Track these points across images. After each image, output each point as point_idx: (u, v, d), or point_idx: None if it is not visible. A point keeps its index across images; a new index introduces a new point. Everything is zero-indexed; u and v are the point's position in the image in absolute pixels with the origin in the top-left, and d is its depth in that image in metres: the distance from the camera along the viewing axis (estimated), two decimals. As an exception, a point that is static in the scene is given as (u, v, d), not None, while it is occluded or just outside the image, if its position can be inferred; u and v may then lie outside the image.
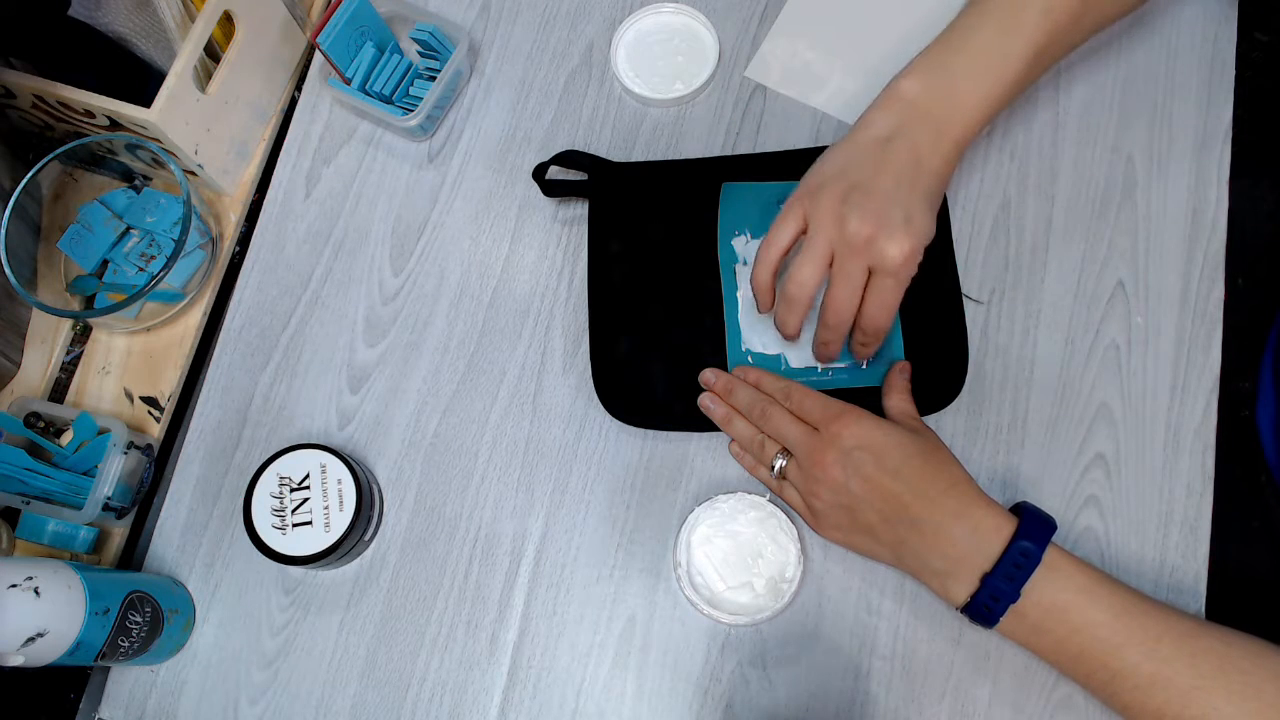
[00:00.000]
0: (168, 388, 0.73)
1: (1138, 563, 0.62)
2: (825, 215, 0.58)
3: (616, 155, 0.74)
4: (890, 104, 0.60)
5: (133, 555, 0.71)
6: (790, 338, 0.62)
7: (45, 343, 0.75)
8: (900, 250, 0.56)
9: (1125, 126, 0.71)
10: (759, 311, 0.64)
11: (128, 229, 0.73)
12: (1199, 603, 0.61)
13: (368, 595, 0.66)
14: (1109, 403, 0.65)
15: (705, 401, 0.66)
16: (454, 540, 0.67)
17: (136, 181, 0.76)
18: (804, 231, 0.60)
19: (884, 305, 0.59)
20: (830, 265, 0.58)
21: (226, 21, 0.72)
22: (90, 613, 0.56)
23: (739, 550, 0.63)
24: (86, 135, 0.71)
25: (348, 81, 0.74)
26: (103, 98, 0.68)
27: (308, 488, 0.63)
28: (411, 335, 0.72)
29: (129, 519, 0.70)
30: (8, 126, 0.76)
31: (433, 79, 0.74)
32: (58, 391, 0.74)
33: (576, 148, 0.73)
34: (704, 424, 0.66)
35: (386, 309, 0.72)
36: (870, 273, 0.58)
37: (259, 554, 0.62)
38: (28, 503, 0.65)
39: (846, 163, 0.59)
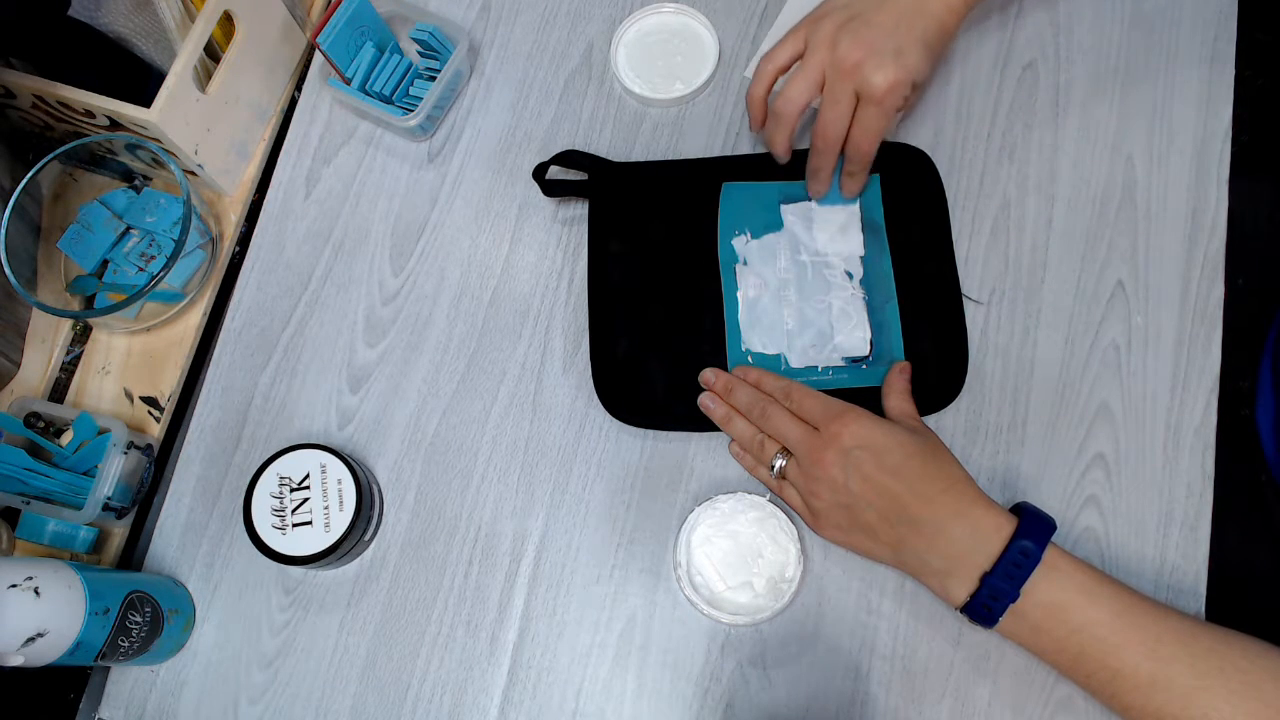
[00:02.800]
0: (168, 388, 0.73)
1: (1138, 563, 0.62)
2: (821, 39, 0.62)
3: (616, 155, 0.74)
4: None
5: (133, 555, 0.71)
6: (778, 155, 0.67)
7: (45, 343, 0.75)
8: (885, 78, 0.60)
9: (1125, 126, 0.71)
10: (751, 129, 0.69)
11: (128, 229, 0.73)
12: (1199, 603, 0.61)
13: (368, 595, 0.66)
14: (1109, 403, 0.65)
15: (705, 401, 0.66)
16: (454, 540, 0.67)
17: (136, 181, 0.76)
18: (802, 55, 0.63)
19: (868, 131, 0.63)
20: (822, 88, 0.62)
21: (226, 21, 0.72)
22: (90, 613, 0.56)
23: (739, 550, 0.63)
24: (86, 135, 0.71)
25: (348, 81, 0.74)
26: (103, 98, 0.68)
27: (308, 488, 0.63)
28: (411, 335, 0.72)
29: (129, 519, 0.70)
30: (8, 126, 0.76)
31: (433, 79, 0.74)
32: (58, 391, 0.74)
33: (576, 148, 0.73)
34: (704, 424, 0.66)
35: (386, 309, 0.72)
36: (858, 100, 0.62)
37: (259, 554, 0.62)
38: (28, 503, 0.65)
39: None
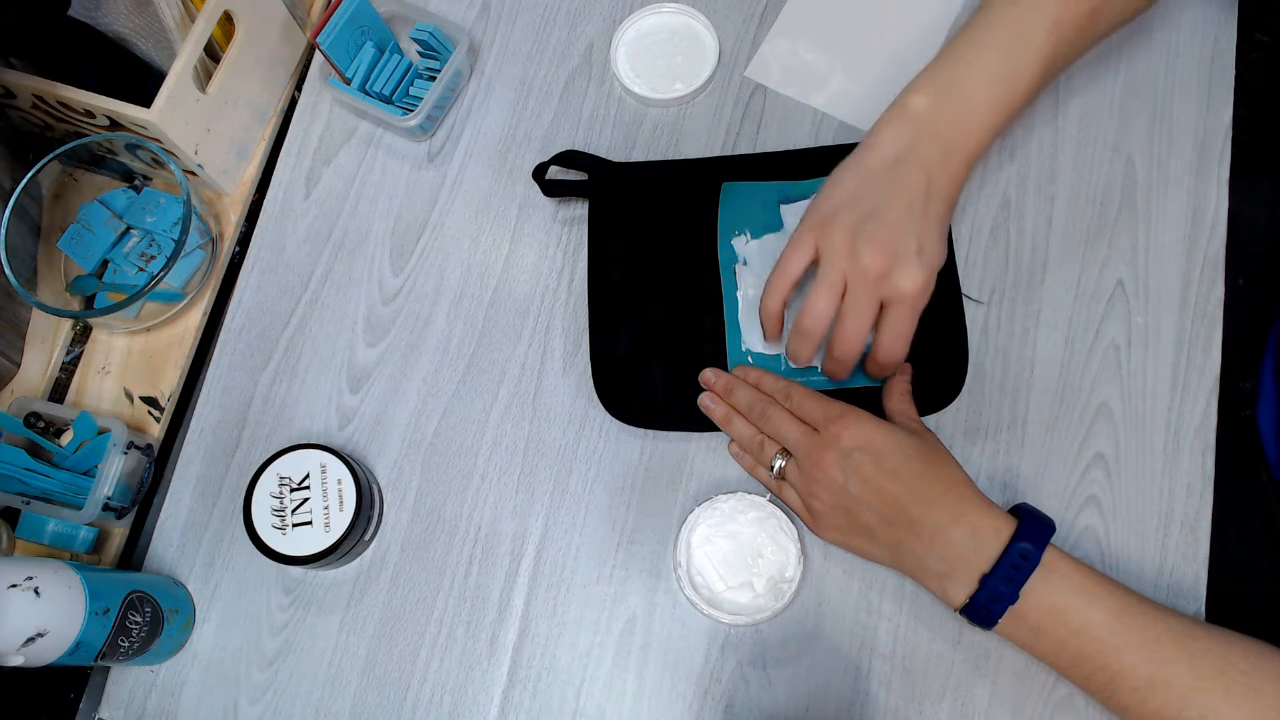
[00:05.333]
0: (168, 388, 0.73)
1: (1138, 563, 0.62)
2: (838, 247, 0.58)
3: (616, 155, 0.74)
4: (899, 121, 0.59)
5: (133, 555, 0.71)
6: (803, 366, 0.62)
7: (45, 343, 0.75)
8: (914, 282, 0.57)
9: (1125, 127, 0.71)
10: (766, 340, 0.65)
11: (128, 229, 0.73)
12: (1199, 603, 0.61)
13: (368, 595, 0.66)
14: (1109, 403, 0.65)
15: (705, 401, 0.66)
16: (454, 540, 0.67)
17: (136, 181, 0.76)
18: (815, 261, 0.59)
19: (899, 335, 0.59)
20: (843, 297, 0.58)
21: (226, 21, 0.72)
22: (90, 613, 0.56)
23: (739, 550, 0.63)
24: (86, 135, 0.71)
25: (348, 81, 0.74)
26: (103, 98, 0.68)
27: (308, 488, 0.63)
28: (411, 335, 0.72)
29: (129, 519, 0.70)
30: (8, 126, 0.76)
31: (433, 79, 0.74)
32: (58, 391, 0.74)
33: (576, 148, 0.73)
34: (704, 424, 0.66)
35: (386, 309, 0.72)
36: (883, 305, 0.58)
37: (259, 554, 0.62)
38: (28, 503, 0.65)
39: (857, 189, 0.59)
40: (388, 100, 0.74)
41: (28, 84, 0.68)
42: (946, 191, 0.59)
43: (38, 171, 0.70)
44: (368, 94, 0.74)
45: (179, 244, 0.68)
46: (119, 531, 0.70)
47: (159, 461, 0.72)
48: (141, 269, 0.73)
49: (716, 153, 0.73)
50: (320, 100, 0.78)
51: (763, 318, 0.63)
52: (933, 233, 0.58)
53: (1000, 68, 0.59)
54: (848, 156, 0.61)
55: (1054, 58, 0.59)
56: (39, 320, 0.75)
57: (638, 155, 0.74)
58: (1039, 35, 0.59)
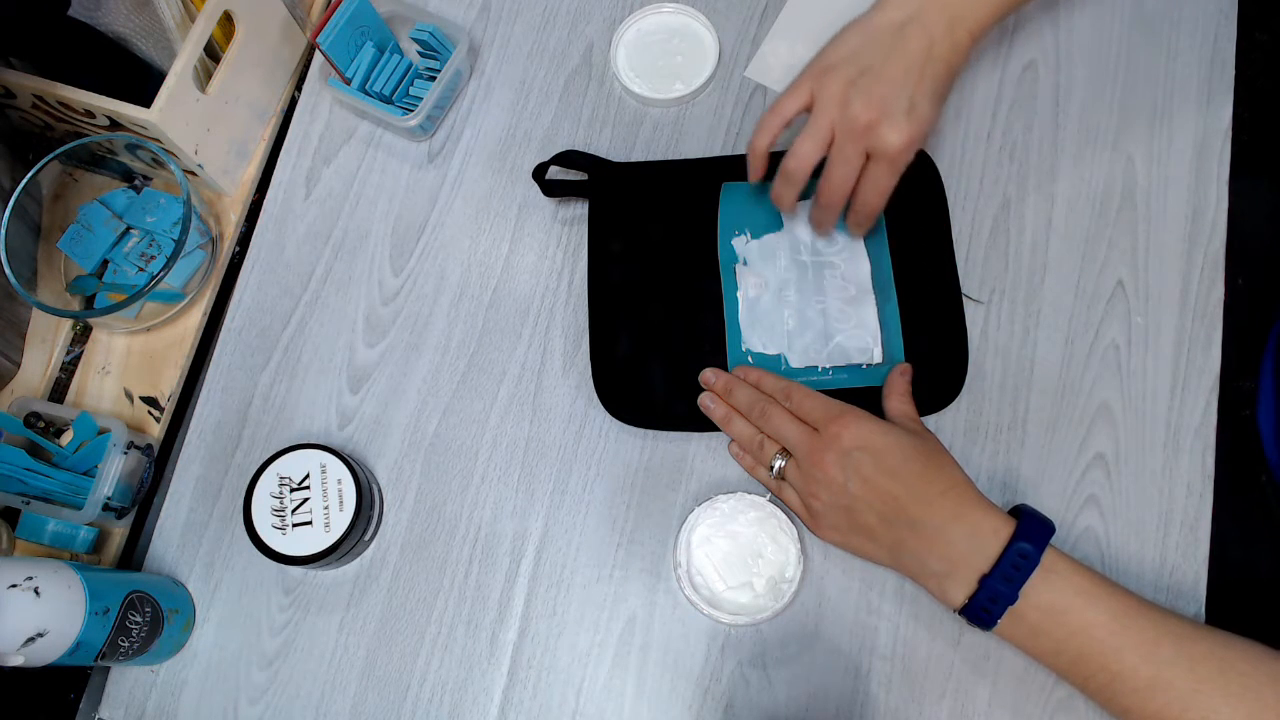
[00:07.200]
0: (168, 388, 0.73)
1: (1138, 563, 0.62)
2: (831, 96, 0.60)
3: (616, 155, 0.74)
4: None
5: (133, 555, 0.71)
6: (785, 210, 0.65)
7: (45, 343, 0.75)
8: (899, 138, 0.59)
9: (1125, 126, 0.71)
10: (749, 179, 0.66)
11: (128, 229, 0.74)
12: (1199, 603, 0.61)
13: (368, 595, 0.66)
14: (1109, 403, 0.65)
15: (705, 401, 0.66)
16: (454, 540, 0.67)
17: (136, 181, 0.76)
18: (809, 108, 0.61)
19: (878, 189, 0.61)
20: (830, 145, 0.61)
21: (226, 21, 0.72)
22: (90, 613, 0.56)
23: (739, 550, 0.63)
24: (86, 135, 0.71)
25: (348, 81, 0.74)
26: (103, 98, 0.68)
27: (308, 488, 0.63)
28: (411, 335, 0.72)
29: (129, 519, 0.70)
30: (8, 126, 0.76)
31: (433, 79, 0.74)
32: (58, 391, 0.74)
33: (576, 148, 0.73)
34: (704, 424, 0.66)
35: (386, 309, 0.72)
36: (868, 157, 0.60)
37: (259, 554, 0.62)
38: (28, 503, 0.65)
39: (859, 46, 0.61)
40: (388, 100, 0.74)
41: (28, 84, 0.68)
42: (947, 59, 0.60)
43: (38, 171, 0.70)
44: (368, 94, 0.74)
45: (179, 244, 0.68)
46: (119, 531, 0.70)
47: (159, 461, 0.72)
48: (141, 269, 0.73)
49: (716, 153, 0.73)
50: (320, 100, 0.78)
51: (749, 156, 0.65)
52: (926, 95, 0.59)
53: None
54: (856, 17, 0.62)
55: None
56: (39, 320, 0.75)
57: (638, 155, 0.74)
58: None
